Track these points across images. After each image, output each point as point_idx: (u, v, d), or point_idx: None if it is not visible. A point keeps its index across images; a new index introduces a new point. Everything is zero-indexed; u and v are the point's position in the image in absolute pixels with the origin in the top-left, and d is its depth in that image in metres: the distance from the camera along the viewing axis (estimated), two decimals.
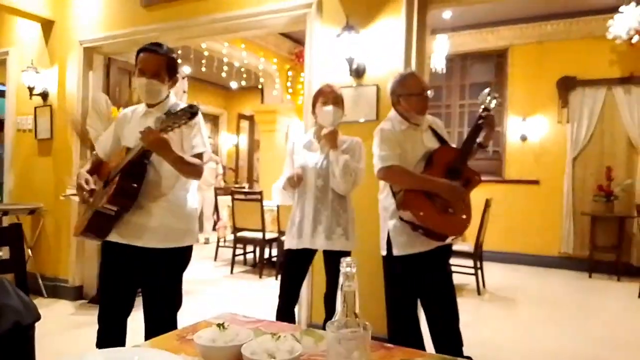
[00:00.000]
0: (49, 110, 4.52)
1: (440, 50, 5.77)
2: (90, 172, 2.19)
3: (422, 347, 2.33)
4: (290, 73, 7.32)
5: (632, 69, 5.75)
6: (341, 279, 0.89)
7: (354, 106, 3.11)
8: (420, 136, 2.37)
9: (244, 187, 8.77)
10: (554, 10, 5.96)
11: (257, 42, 6.49)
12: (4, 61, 4.90)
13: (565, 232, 6.14)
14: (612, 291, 5.10)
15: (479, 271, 4.85)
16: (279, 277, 2.76)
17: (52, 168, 4.54)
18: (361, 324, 0.88)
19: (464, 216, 2.29)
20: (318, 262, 2.57)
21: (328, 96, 2.44)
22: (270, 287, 4.84)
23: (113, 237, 2.10)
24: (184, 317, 2.01)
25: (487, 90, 2.37)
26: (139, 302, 2.12)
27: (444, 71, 5.99)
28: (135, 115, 2.21)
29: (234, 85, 9.26)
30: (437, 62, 5.77)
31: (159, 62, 2.06)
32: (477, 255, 4.77)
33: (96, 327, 2.15)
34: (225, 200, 6.33)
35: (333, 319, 0.89)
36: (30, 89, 4.52)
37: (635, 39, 4.63)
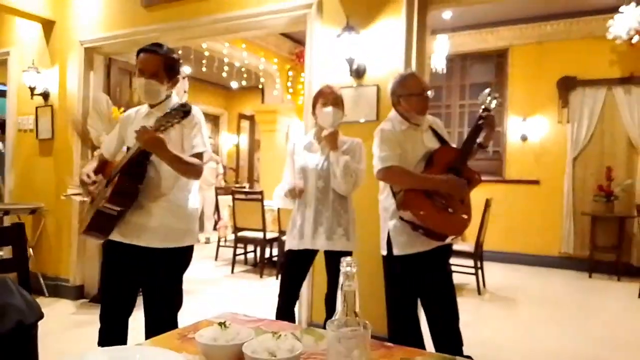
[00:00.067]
0: (50, 110, 4.53)
1: (440, 51, 5.76)
2: (97, 171, 2.23)
3: (422, 347, 2.33)
4: (290, 73, 7.33)
5: (632, 69, 5.75)
6: (341, 279, 0.89)
7: (354, 106, 3.12)
8: (420, 136, 2.37)
9: (244, 187, 8.77)
10: (553, 11, 5.96)
11: (257, 42, 6.50)
12: (4, 61, 4.91)
13: (566, 232, 6.14)
14: (612, 291, 5.11)
15: (479, 271, 4.86)
16: (280, 276, 2.76)
17: (53, 168, 4.55)
18: (361, 323, 0.89)
19: (464, 216, 2.29)
20: (319, 262, 2.58)
21: (328, 97, 2.44)
22: (271, 286, 4.84)
23: (115, 236, 2.12)
24: (185, 316, 2.01)
25: (487, 90, 2.37)
26: (140, 302, 2.13)
27: (444, 71, 5.98)
28: (138, 115, 2.22)
29: (234, 85, 9.26)
30: (437, 63, 5.77)
31: (158, 63, 2.08)
32: (478, 255, 4.78)
33: (97, 326, 2.16)
34: (226, 200, 6.33)
35: (333, 318, 0.90)
36: (32, 89, 4.53)
37: (635, 39, 4.63)
